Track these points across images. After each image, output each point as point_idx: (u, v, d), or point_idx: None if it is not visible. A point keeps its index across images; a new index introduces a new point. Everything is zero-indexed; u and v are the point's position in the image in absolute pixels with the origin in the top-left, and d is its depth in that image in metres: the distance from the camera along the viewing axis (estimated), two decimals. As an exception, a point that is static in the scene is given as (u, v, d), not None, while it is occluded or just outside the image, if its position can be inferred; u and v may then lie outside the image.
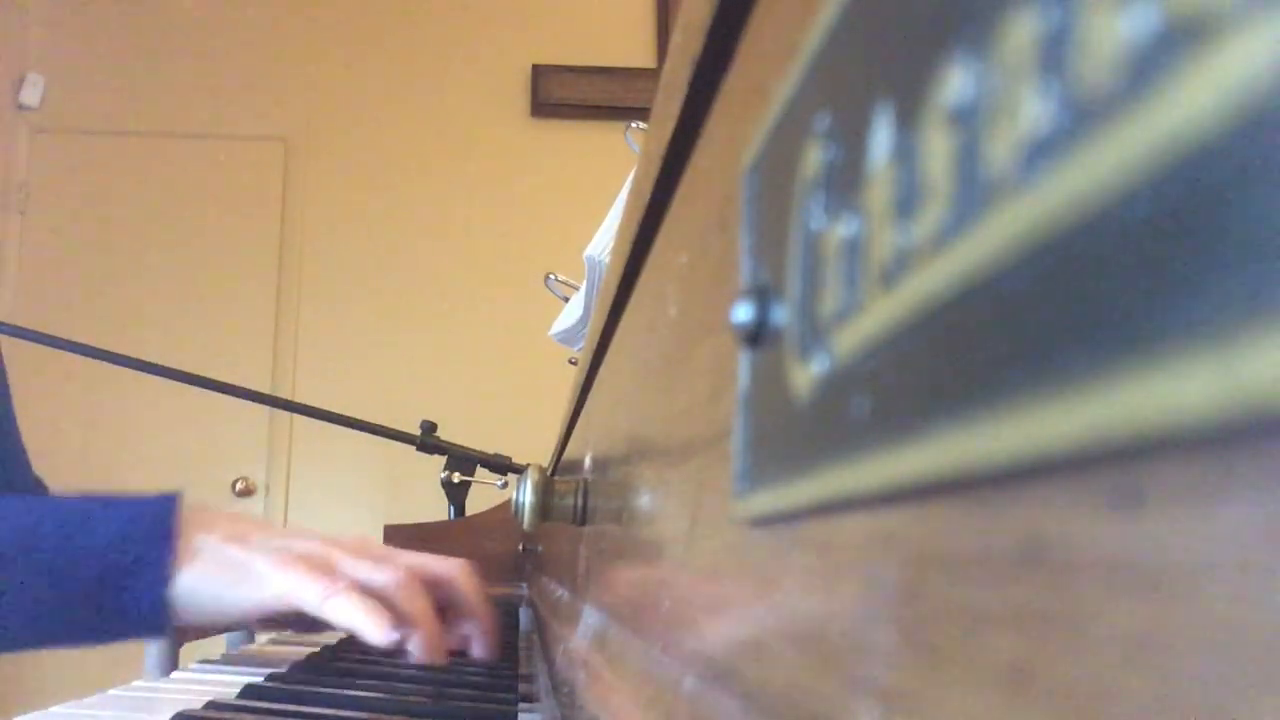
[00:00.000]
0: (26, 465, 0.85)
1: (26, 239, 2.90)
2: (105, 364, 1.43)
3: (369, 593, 0.62)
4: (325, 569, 0.62)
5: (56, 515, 0.62)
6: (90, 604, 0.61)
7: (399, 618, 0.62)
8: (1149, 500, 0.08)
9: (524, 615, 1.06)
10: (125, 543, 0.61)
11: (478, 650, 0.68)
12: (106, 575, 0.61)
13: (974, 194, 0.10)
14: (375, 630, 0.58)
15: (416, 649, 0.63)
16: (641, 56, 3.02)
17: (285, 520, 2.85)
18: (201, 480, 2.82)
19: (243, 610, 0.63)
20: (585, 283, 1.03)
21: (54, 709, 0.46)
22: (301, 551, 0.64)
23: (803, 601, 0.16)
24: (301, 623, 0.65)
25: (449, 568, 0.69)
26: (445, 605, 0.67)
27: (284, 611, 0.62)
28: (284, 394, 2.62)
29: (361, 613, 0.59)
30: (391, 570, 0.63)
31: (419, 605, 0.63)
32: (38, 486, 0.85)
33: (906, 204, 0.12)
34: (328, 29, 3.01)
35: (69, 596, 0.60)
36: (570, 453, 0.78)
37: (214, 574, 0.62)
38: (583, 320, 1.06)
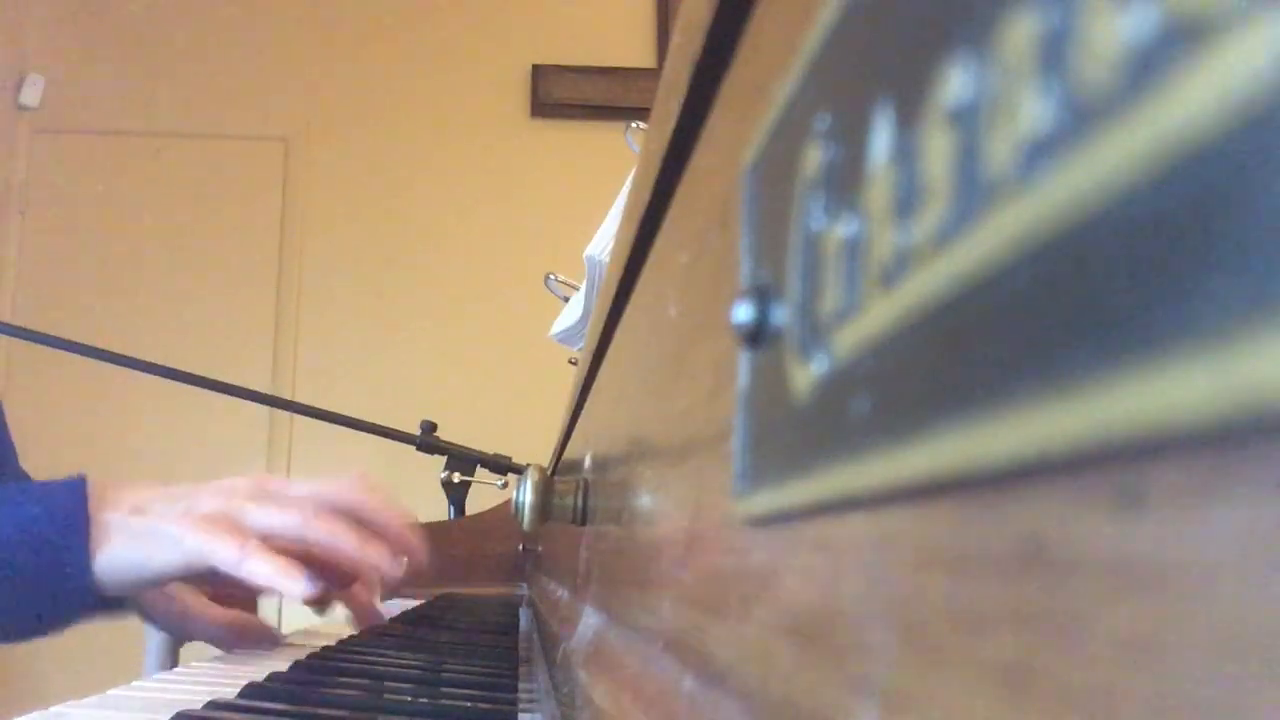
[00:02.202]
0: (15, 464, 0.86)
1: (26, 239, 2.90)
2: (105, 364, 1.43)
3: (281, 543, 0.64)
4: (234, 526, 0.64)
5: None
6: (19, 599, 0.63)
7: (315, 564, 0.65)
8: (1149, 500, 0.08)
9: (524, 615, 1.06)
10: (43, 536, 0.64)
11: (402, 566, 0.69)
12: (31, 570, 0.63)
13: (974, 194, 0.10)
14: (293, 586, 0.61)
15: (369, 565, 0.65)
16: (641, 56, 3.02)
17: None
18: (201, 480, 2.81)
19: (164, 574, 0.65)
20: (585, 283, 1.03)
21: (54, 709, 0.46)
22: (208, 510, 0.66)
23: (803, 601, 0.16)
24: (218, 579, 0.67)
25: (348, 490, 0.70)
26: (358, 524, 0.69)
27: (202, 570, 0.65)
28: (284, 394, 2.62)
29: (278, 571, 0.61)
30: (296, 509, 0.65)
31: (338, 527, 0.65)
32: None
33: (906, 204, 0.12)
34: (328, 29, 3.01)
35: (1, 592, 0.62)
36: (570, 453, 0.78)
37: (129, 547, 0.65)
38: (583, 320, 1.06)
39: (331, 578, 0.70)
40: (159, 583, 0.67)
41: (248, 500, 0.67)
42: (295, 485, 0.69)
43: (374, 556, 0.66)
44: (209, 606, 0.78)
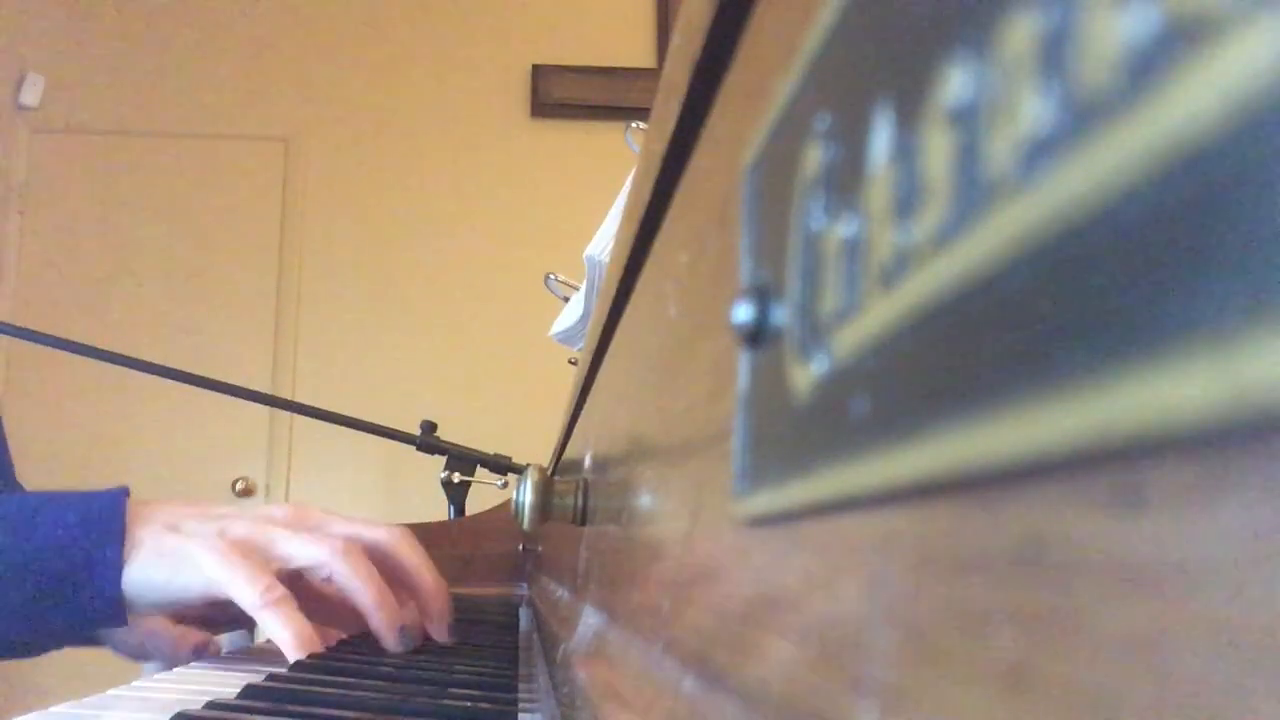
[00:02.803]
0: (11, 474, 0.86)
1: (26, 239, 2.90)
2: (105, 364, 1.43)
3: (305, 582, 0.63)
4: (262, 563, 0.63)
5: (5, 518, 0.63)
6: (47, 605, 0.62)
7: (330, 604, 0.64)
8: (1149, 500, 0.08)
9: (524, 615, 1.06)
10: (77, 543, 0.63)
11: (430, 630, 0.68)
12: (62, 576, 0.62)
13: (974, 194, 0.10)
14: (294, 653, 0.60)
15: (378, 625, 0.64)
16: (641, 56, 3.02)
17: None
18: (201, 480, 2.82)
19: (186, 598, 0.64)
20: (585, 283, 1.03)
21: (54, 709, 0.46)
22: (239, 535, 0.65)
23: (803, 601, 0.16)
24: (233, 613, 0.66)
25: (388, 537, 0.69)
26: (388, 576, 0.68)
27: (220, 600, 0.64)
28: (284, 394, 2.62)
29: (288, 631, 0.61)
30: (327, 544, 0.65)
31: (362, 572, 0.64)
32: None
33: (906, 204, 0.12)
34: (328, 30, 3.01)
35: (26, 598, 0.62)
36: (570, 453, 0.78)
37: (156, 564, 0.64)
38: (583, 320, 1.06)
39: (345, 621, 0.69)
40: (179, 605, 0.66)
41: (282, 528, 0.66)
42: (336, 522, 0.68)
43: (387, 618, 0.65)
44: (169, 626, 0.78)
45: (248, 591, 0.62)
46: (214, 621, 0.79)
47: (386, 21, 3.02)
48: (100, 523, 0.64)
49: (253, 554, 0.64)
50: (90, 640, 0.75)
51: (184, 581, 0.63)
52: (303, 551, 0.64)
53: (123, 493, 0.66)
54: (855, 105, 0.14)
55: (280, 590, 0.62)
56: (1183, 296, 0.07)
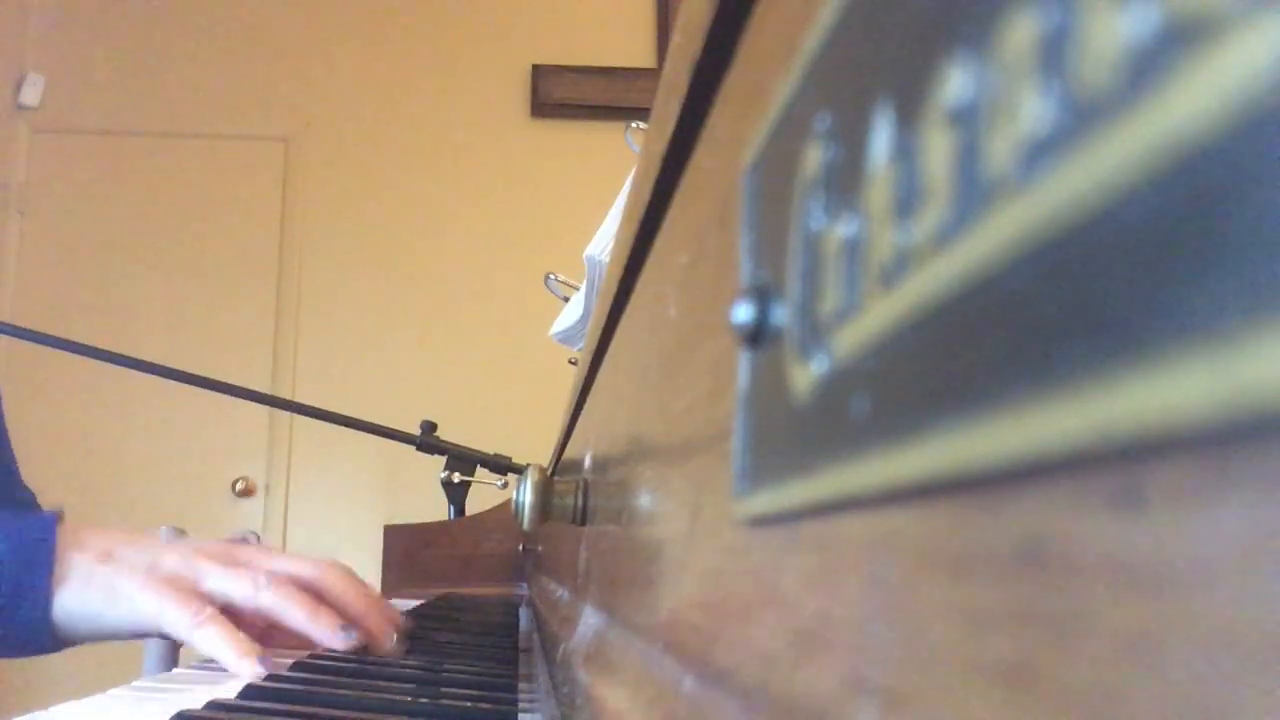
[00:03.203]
0: (16, 478, 0.85)
1: (26, 239, 2.90)
2: (105, 364, 1.43)
3: (236, 613, 0.64)
4: (191, 591, 0.64)
5: None
6: None
7: (281, 635, 0.65)
8: (1149, 500, 0.08)
9: (524, 615, 1.06)
10: (5, 570, 0.63)
11: (373, 648, 0.68)
12: None
13: (974, 194, 0.10)
14: (238, 662, 0.59)
15: (318, 636, 0.64)
16: (641, 56, 3.02)
17: (286, 522, 2.85)
18: (201, 480, 2.82)
19: (117, 630, 0.65)
20: (585, 283, 1.03)
21: (54, 709, 0.46)
22: (168, 572, 0.65)
23: (803, 601, 0.16)
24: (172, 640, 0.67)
25: (317, 571, 0.69)
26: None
27: (153, 633, 0.64)
28: (284, 394, 2.62)
29: (227, 644, 0.60)
30: (250, 577, 0.65)
31: (288, 598, 0.65)
32: (22, 502, 0.85)
33: (906, 204, 0.12)
34: (328, 29, 3.01)
35: None
36: (570, 453, 0.78)
37: (87, 596, 0.64)
38: (583, 320, 1.06)
39: (283, 642, 0.69)
40: (114, 638, 0.67)
41: (211, 561, 0.66)
42: (267, 558, 0.69)
43: (323, 627, 0.65)
44: None
45: (178, 617, 0.62)
46: None
47: (386, 22, 3.02)
48: (30, 547, 0.64)
49: (183, 584, 0.64)
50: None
51: (118, 614, 0.64)
52: (231, 586, 0.65)
53: (53, 518, 0.66)
54: (855, 105, 0.14)
55: (210, 609, 0.62)
56: (1183, 296, 0.07)
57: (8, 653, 0.66)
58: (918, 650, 0.12)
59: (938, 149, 0.11)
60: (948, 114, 0.11)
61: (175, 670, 0.65)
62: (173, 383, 1.47)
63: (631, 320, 0.43)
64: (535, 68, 3.00)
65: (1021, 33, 0.09)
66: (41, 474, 0.86)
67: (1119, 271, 0.08)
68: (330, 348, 2.89)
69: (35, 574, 0.63)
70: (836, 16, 0.15)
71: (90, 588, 0.64)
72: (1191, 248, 0.07)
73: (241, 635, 0.61)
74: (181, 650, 1.08)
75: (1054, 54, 0.09)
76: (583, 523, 0.51)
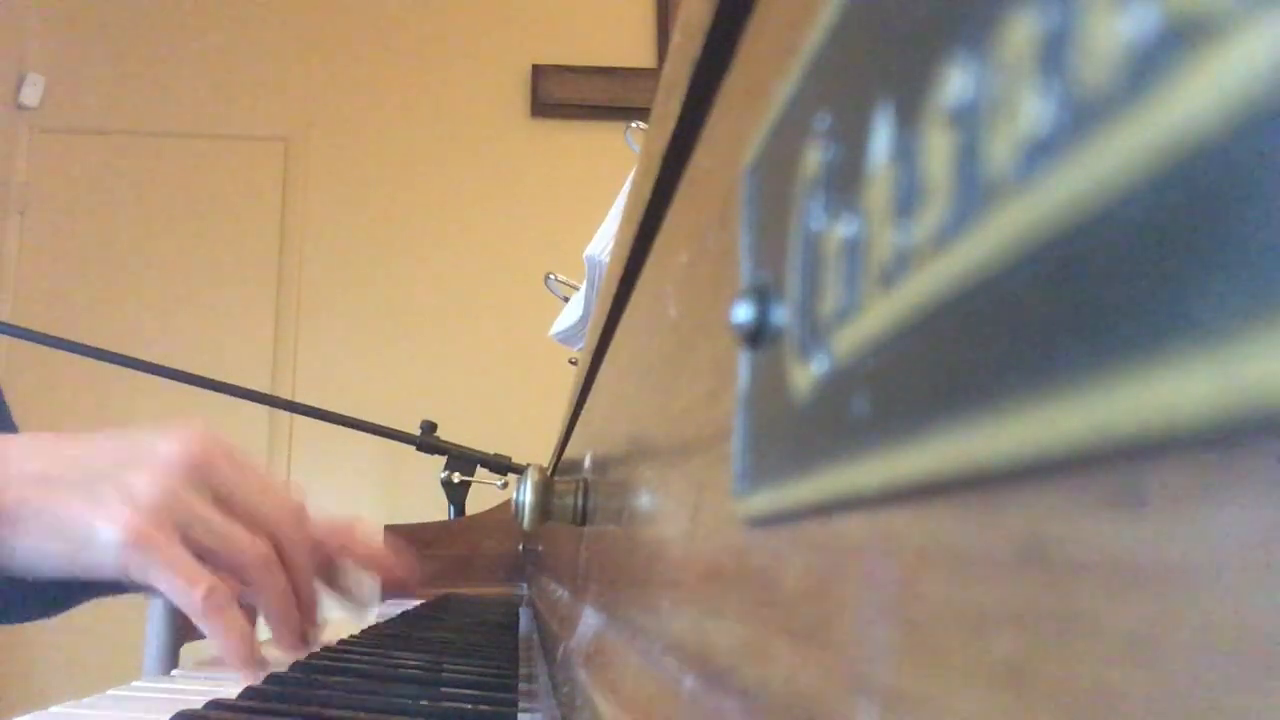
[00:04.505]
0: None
1: (26, 239, 2.90)
2: (105, 364, 1.43)
3: (214, 565, 0.57)
4: (177, 543, 0.56)
5: None
6: None
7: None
8: (1149, 500, 0.08)
9: (524, 615, 1.06)
10: None
11: (306, 647, 0.64)
12: None
13: (974, 194, 0.10)
14: (245, 669, 0.56)
15: (275, 636, 0.61)
16: (641, 56, 3.02)
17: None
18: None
19: (93, 576, 0.56)
20: (585, 283, 1.03)
21: (54, 709, 0.46)
22: (148, 503, 0.55)
23: (802, 601, 0.16)
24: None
25: (337, 527, 0.66)
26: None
27: (139, 586, 0.57)
28: (284, 394, 2.62)
29: (230, 644, 0.56)
30: (248, 543, 0.58)
31: (270, 588, 0.60)
32: None
33: (906, 204, 0.12)
34: (328, 29, 3.01)
35: None
36: (570, 453, 0.78)
37: (46, 544, 0.55)
38: (583, 320, 1.06)
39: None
40: (90, 579, 0.57)
41: (190, 491, 0.57)
42: (245, 493, 0.60)
43: (287, 625, 0.61)
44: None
45: (183, 591, 0.55)
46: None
47: (387, 22, 3.02)
48: None
49: (169, 528, 0.55)
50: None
51: (89, 560, 0.55)
52: (223, 544, 0.58)
53: None
54: (855, 105, 0.14)
55: (223, 593, 0.56)
56: (1182, 296, 0.07)
57: None
58: (918, 650, 0.12)
59: (938, 149, 0.11)
60: (948, 114, 0.11)
61: (175, 670, 0.65)
62: (173, 382, 1.47)
63: (631, 320, 0.43)
64: (535, 68, 3.00)
65: (1021, 33, 0.09)
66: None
67: (1119, 271, 0.08)
68: (330, 348, 2.89)
69: None
70: (836, 16, 0.15)
71: (48, 533, 0.54)
72: (1192, 248, 0.07)
73: (248, 634, 0.58)
74: (182, 650, 1.08)
75: (1054, 54, 0.09)
76: (583, 523, 0.51)
